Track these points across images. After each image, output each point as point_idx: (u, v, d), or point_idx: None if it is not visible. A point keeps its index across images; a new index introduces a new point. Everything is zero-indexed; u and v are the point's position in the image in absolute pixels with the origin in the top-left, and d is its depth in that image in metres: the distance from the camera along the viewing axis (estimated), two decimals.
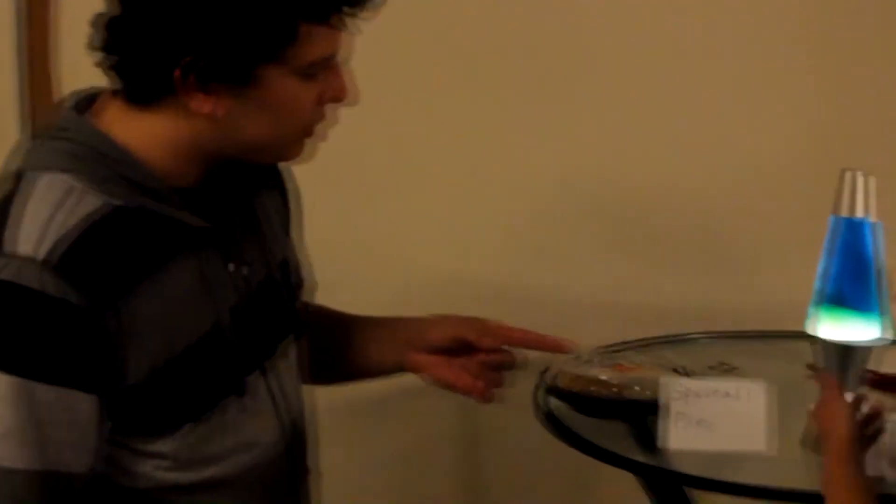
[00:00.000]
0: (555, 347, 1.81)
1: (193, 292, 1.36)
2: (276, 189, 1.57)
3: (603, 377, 1.94)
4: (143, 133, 1.34)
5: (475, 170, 2.44)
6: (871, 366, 2.03)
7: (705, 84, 2.41)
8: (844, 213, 1.75)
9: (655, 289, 2.44)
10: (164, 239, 1.34)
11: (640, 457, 1.79)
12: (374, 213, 2.44)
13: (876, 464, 1.69)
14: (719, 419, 1.81)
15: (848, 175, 1.75)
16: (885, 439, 1.70)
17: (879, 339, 1.77)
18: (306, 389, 1.62)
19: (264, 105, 1.34)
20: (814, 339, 1.79)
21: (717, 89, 2.42)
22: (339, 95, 1.40)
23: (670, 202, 2.44)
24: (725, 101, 2.42)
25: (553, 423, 1.92)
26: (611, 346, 2.22)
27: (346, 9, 1.34)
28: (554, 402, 1.98)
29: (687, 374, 1.98)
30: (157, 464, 1.36)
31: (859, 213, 1.75)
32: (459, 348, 1.68)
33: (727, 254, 2.45)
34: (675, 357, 2.07)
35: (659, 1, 2.40)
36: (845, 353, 1.77)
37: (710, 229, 2.45)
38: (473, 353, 1.69)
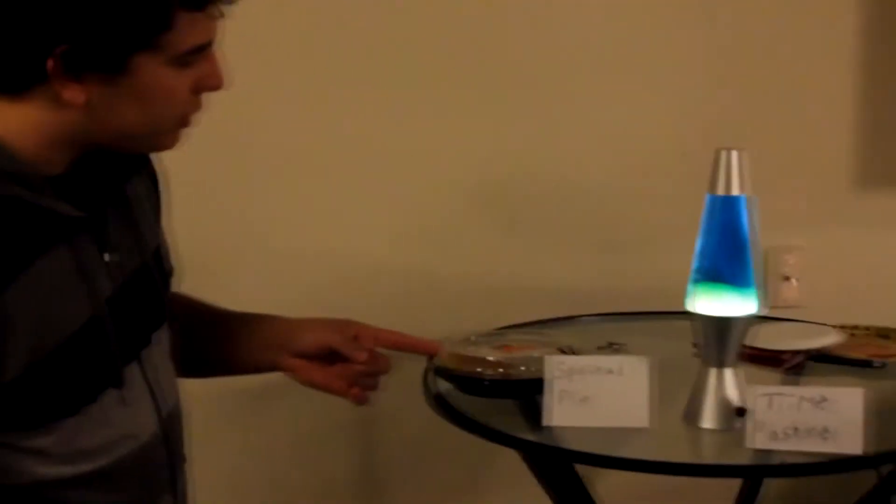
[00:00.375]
0: (428, 350, 1.85)
1: (70, 283, 1.34)
2: (146, 174, 1.56)
3: (490, 358, 1.96)
4: (13, 122, 1.32)
5: (370, 158, 2.45)
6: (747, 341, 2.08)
7: (592, 75, 2.47)
8: (720, 191, 1.78)
9: (545, 272, 2.47)
10: (37, 230, 1.31)
11: (526, 435, 1.81)
12: (268, 204, 2.44)
13: (755, 437, 1.73)
14: (603, 396, 1.83)
15: (723, 154, 1.78)
16: (763, 413, 1.74)
17: (755, 314, 1.81)
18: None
19: (138, 94, 1.32)
20: (693, 316, 1.81)
21: (602, 80, 2.47)
22: (214, 84, 1.39)
23: (560, 187, 2.48)
24: (610, 90, 2.47)
25: (441, 405, 1.94)
26: (501, 328, 2.25)
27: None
28: (443, 385, 2.00)
29: (573, 352, 2.01)
30: (38, 459, 1.33)
31: (734, 191, 1.78)
32: (331, 354, 1.69)
33: (615, 236, 2.50)
34: (564, 337, 2.09)
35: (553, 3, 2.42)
36: (722, 328, 1.80)
37: (599, 213, 2.49)
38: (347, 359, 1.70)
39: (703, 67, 2.47)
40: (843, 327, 2.25)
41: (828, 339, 2.14)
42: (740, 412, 1.79)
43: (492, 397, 1.95)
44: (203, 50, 1.35)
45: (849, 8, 2.47)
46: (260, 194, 2.41)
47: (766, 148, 2.47)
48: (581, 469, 2.04)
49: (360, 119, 2.43)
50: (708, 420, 1.82)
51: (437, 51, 2.43)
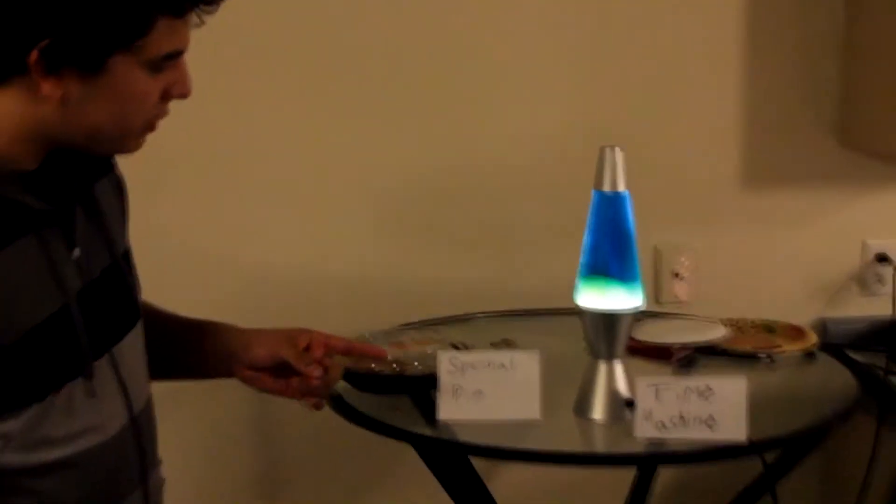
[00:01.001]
0: (376, 355, 1.90)
1: (37, 275, 1.35)
2: (112, 178, 1.56)
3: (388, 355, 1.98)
4: None
5: (272, 160, 2.45)
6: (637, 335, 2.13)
7: (483, 81, 2.49)
8: (606, 187, 1.82)
9: (440, 272, 2.49)
10: (3, 221, 1.32)
11: (419, 429, 1.83)
12: (175, 208, 2.43)
13: (643, 427, 1.78)
14: (495, 390, 1.86)
15: (607, 151, 1.82)
16: (650, 404, 1.78)
17: (641, 307, 1.85)
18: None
19: (112, 94, 1.34)
20: (581, 311, 1.85)
21: (492, 84, 2.49)
22: (183, 91, 1.41)
23: (453, 189, 2.50)
24: (501, 94, 2.50)
25: (338, 403, 1.96)
26: (397, 327, 2.27)
27: (202, 6, 1.36)
28: (341, 383, 2.01)
29: (466, 349, 2.04)
30: (3, 445, 1.32)
31: (620, 187, 1.82)
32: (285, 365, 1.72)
33: (508, 236, 2.52)
34: (458, 335, 2.12)
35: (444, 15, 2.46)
36: (610, 322, 1.84)
37: (492, 213, 2.52)
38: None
39: (590, 69, 2.51)
40: (730, 322, 2.30)
41: (715, 334, 2.19)
42: (629, 403, 1.83)
43: (387, 394, 1.97)
44: (176, 57, 1.38)
45: (733, 9, 2.53)
46: (168, 198, 2.40)
47: (655, 149, 2.53)
48: (478, 465, 2.07)
49: (265, 122, 2.43)
50: (598, 412, 1.86)
51: (340, 60, 2.43)
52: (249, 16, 2.33)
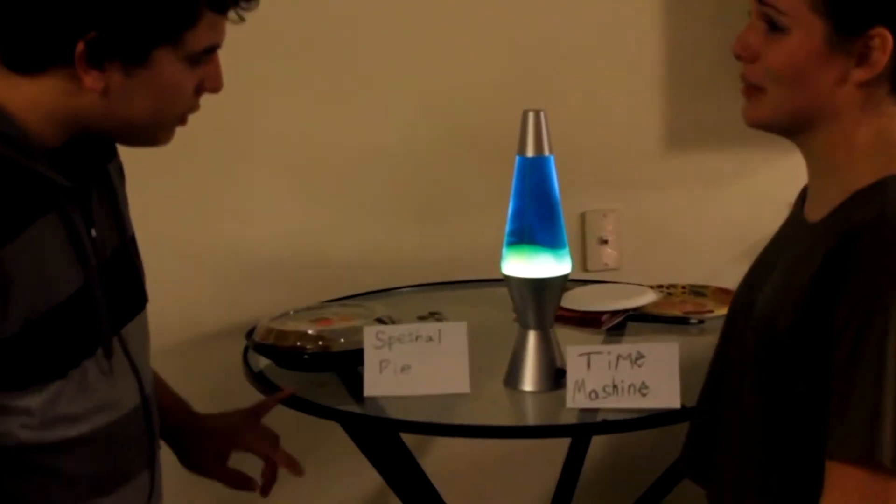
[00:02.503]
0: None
1: (63, 250, 1.35)
2: (116, 164, 1.54)
3: (310, 331, 1.93)
4: (23, 97, 1.32)
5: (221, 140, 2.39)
6: (566, 303, 2.10)
7: (405, 50, 2.45)
8: (529, 152, 1.78)
9: (364, 244, 2.44)
10: (32, 195, 1.32)
11: (345, 406, 1.79)
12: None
13: (574, 397, 1.74)
14: (423, 363, 1.83)
15: (530, 115, 1.78)
16: (581, 373, 1.75)
17: (569, 274, 1.81)
18: None
19: (152, 87, 1.35)
20: (508, 279, 1.81)
21: (413, 54, 2.45)
22: (215, 86, 1.42)
23: (378, 162, 2.45)
24: (421, 64, 2.46)
25: (261, 381, 1.91)
26: (322, 302, 2.22)
27: (242, 2, 1.38)
28: (264, 361, 1.97)
29: (393, 322, 1.99)
30: (23, 421, 1.32)
31: (544, 151, 1.78)
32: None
33: (431, 206, 2.48)
34: (384, 309, 2.08)
35: None
36: (538, 289, 1.80)
37: (414, 184, 2.47)
38: None
39: (510, 34, 2.47)
40: (660, 287, 2.28)
41: (645, 299, 2.17)
42: (560, 373, 1.80)
43: (313, 371, 1.93)
44: (213, 50, 1.40)
45: None
46: None
47: (577, 114, 2.50)
48: (407, 440, 2.03)
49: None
50: (529, 383, 1.83)
51: (277, 49, 2.38)
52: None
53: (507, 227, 1.81)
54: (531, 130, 1.78)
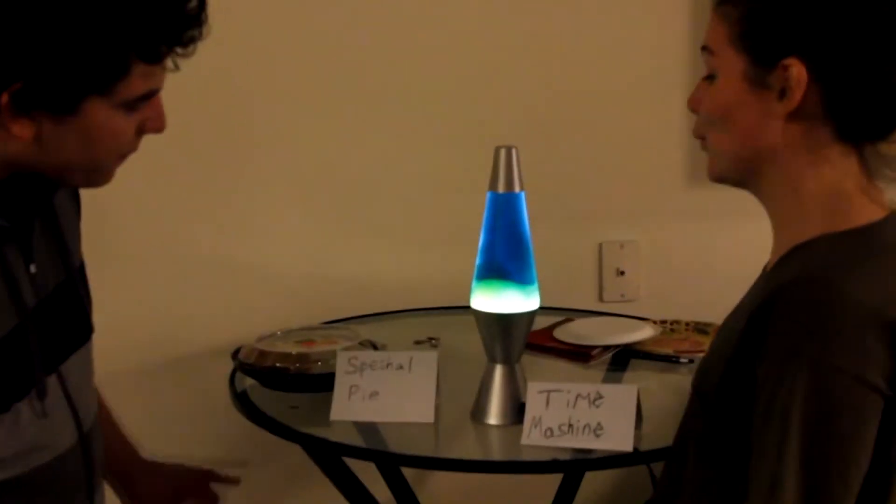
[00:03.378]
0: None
1: None
2: (69, 190, 1.53)
3: (292, 352, 1.97)
4: None
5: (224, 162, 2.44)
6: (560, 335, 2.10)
7: (417, 78, 2.47)
8: (500, 188, 1.79)
9: (371, 266, 2.47)
10: None
11: (306, 429, 1.81)
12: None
13: (530, 433, 1.75)
14: (391, 391, 1.85)
15: (502, 151, 1.79)
16: (539, 410, 1.75)
17: (536, 309, 1.82)
18: None
19: (85, 134, 1.31)
20: (476, 313, 1.82)
21: (428, 81, 2.48)
22: (157, 127, 1.38)
23: (388, 185, 2.48)
24: (436, 88, 2.48)
25: (242, 401, 1.95)
26: (324, 323, 2.25)
27: (178, 49, 1.32)
28: (249, 380, 2.01)
29: (375, 347, 2.02)
30: None
31: (515, 188, 1.79)
32: None
33: (440, 230, 2.50)
34: (372, 333, 2.11)
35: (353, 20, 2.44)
36: (506, 324, 1.81)
37: (422, 208, 2.49)
38: None
39: (527, 60, 2.48)
40: (663, 322, 2.27)
41: (640, 335, 2.16)
42: (523, 408, 1.80)
43: (292, 391, 1.96)
44: (151, 95, 1.35)
45: (678, 9, 2.48)
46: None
47: (597, 146, 2.49)
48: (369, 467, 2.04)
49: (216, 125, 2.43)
50: (493, 416, 1.84)
51: (287, 67, 2.42)
52: (245, 24, 2.34)
53: (477, 261, 1.82)
54: (502, 167, 1.79)
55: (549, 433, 1.75)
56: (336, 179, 2.45)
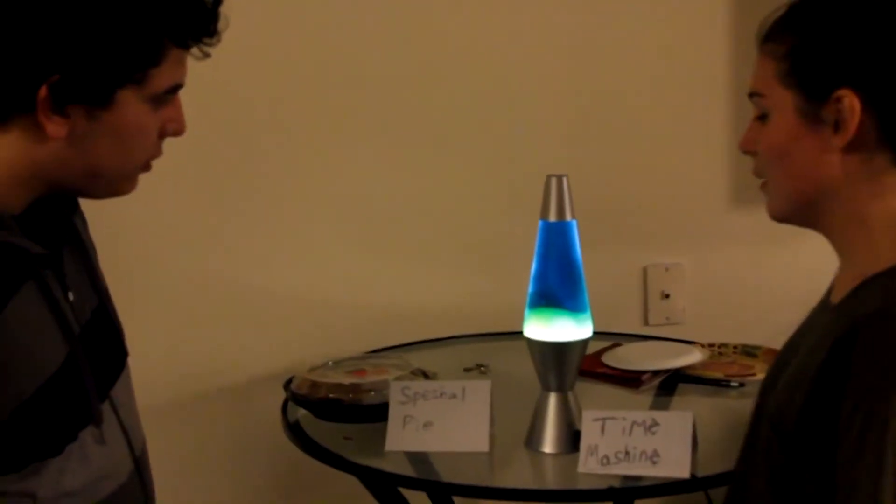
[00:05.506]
0: None
1: (45, 322, 1.32)
2: (80, 216, 1.52)
3: (344, 382, 1.97)
4: None
5: (260, 188, 2.46)
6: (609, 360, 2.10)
7: (464, 105, 2.49)
8: (552, 217, 1.79)
9: (419, 292, 2.48)
10: (8, 268, 1.28)
11: (362, 460, 1.81)
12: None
13: (586, 462, 1.75)
14: (445, 420, 1.85)
15: (553, 180, 1.79)
16: (595, 438, 1.75)
17: (591, 337, 1.82)
18: None
19: (116, 131, 1.32)
20: (529, 342, 1.82)
21: (473, 108, 2.49)
22: (178, 128, 1.40)
23: (436, 211, 2.49)
24: (481, 115, 2.49)
25: (295, 431, 1.95)
26: (370, 352, 2.26)
27: (206, 39, 1.35)
28: (301, 410, 2.01)
29: (426, 376, 2.02)
30: (24, 503, 1.30)
31: (567, 216, 1.79)
32: None
33: (488, 256, 2.50)
34: (422, 362, 2.11)
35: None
36: (559, 353, 1.81)
37: (470, 234, 2.50)
38: None
39: (572, 87, 2.49)
40: (711, 346, 2.26)
41: (689, 359, 2.15)
42: (578, 435, 1.80)
43: (345, 422, 1.96)
44: (176, 91, 1.37)
45: (722, 26, 2.49)
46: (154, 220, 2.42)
47: (642, 168, 2.49)
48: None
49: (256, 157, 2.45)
50: (548, 445, 1.84)
51: (334, 108, 2.44)
52: (285, 52, 2.37)
53: (530, 290, 1.82)
54: (553, 195, 1.79)
55: (605, 461, 1.74)
56: (381, 207, 2.45)
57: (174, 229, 2.37)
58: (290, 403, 2.03)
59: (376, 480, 1.88)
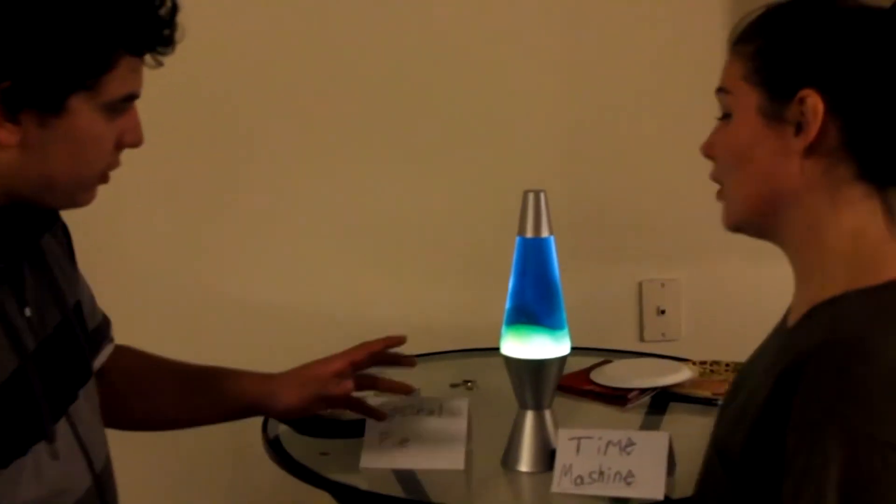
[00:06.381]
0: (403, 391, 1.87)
1: None
2: (58, 228, 1.53)
3: None
4: None
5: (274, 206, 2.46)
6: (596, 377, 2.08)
7: (458, 117, 2.49)
8: (529, 233, 1.78)
9: (408, 306, 2.47)
10: None
11: (333, 476, 1.80)
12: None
13: (560, 481, 1.73)
14: (422, 437, 1.84)
15: (530, 196, 1.78)
16: (570, 457, 1.73)
17: (567, 355, 1.80)
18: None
19: (69, 138, 1.31)
20: (506, 359, 1.80)
21: (468, 121, 2.50)
22: (135, 139, 1.39)
23: (424, 224, 2.48)
24: (476, 128, 2.49)
25: (273, 447, 1.94)
26: None
27: (160, 47, 1.35)
28: (282, 426, 2.00)
29: (407, 393, 2.00)
30: None
31: (544, 232, 1.77)
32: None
33: (477, 270, 2.49)
34: (415, 376, 2.08)
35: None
36: (537, 370, 1.79)
37: (458, 248, 2.49)
38: None
39: (572, 102, 2.48)
40: (702, 363, 2.23)
41: (677, 377, 2.13)
42: (555, 455, 1.78)
43: (324, 437, 1.95)
44: (131, 100, 1.36)
45: (718, 43, 2.41)
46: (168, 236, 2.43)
47: (638, 183, 2.47)
48: None
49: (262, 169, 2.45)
50: (524, 463, 1.82)
51: (325, 120, 2.45)
52: (279, 66, 2.38)
53: (507, 306, 1.80)
54: (531, 211, 1.78)
55: (579, 481, 1.72)
56: (370, 220, 2.46)
57: (166, 239, 2.37)
58: (271, 419, 2.02)
59: (351, 498, 1.85)
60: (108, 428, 1.64)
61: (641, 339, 2.54)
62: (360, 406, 1.83)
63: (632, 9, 2.49)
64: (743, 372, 1.43)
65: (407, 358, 1.83)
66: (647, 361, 2.27)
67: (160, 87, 2.23)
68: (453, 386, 2.20)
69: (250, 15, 2.31)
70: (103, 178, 1.40)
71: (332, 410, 1.93)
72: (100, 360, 1.64)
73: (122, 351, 1.71)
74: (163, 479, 2.47)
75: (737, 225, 1.37)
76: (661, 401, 2.10)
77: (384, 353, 1.82)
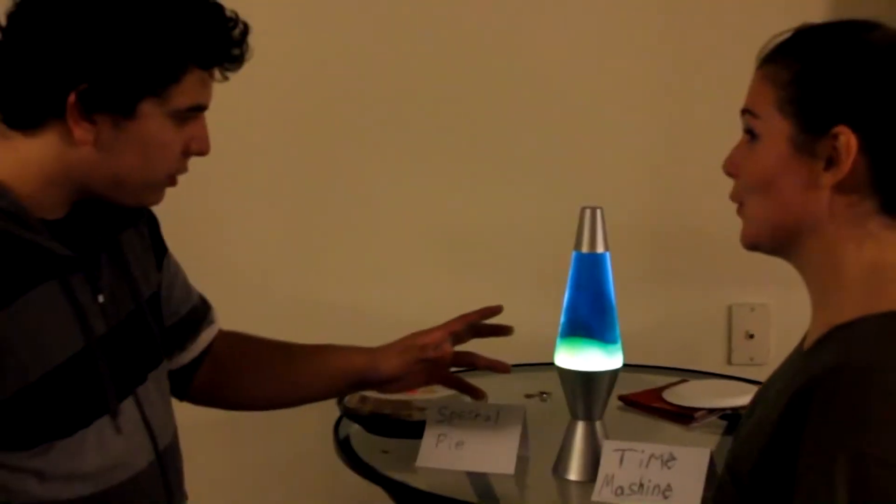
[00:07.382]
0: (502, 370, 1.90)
1: (60, 318, 1.42)
2: (144, 225, 1.64)
3: (393, 399, 2.04)
4: (14, 161, 1.42)
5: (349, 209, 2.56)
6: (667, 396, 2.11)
7: (547, 129, 2.55)
8: (584, 248, 1.82)
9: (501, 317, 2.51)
10: (29, 265, 1.39)
11: (392, 474, 1.88)
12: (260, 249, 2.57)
13: (601, 491, 1.76)
14: (476, 441, 1.90)
15: (587, 212, 1.82)
16: (612, 468, 1.77)
17: (620, 368, 1.84)
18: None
19: (140, 140, 1.43)
20: (559, 370, 1.85)
21: (555, 135, 2.55)
22: (201, 148, 1.50)
23: (516, 236, 2.53)
24: (562, 143, 2.54)
25: (342, 446, 2.02)
26: None
27: (227, 64, 1.47)
28: (354, 426, 2.09)
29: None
30: (37, 480, 1.40)
31: (599, 248, 1.82)
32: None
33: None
34: (492, 384, 2.14)
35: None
36: (589, 382, 1.83)
37: (547, 260, 2.51)
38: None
39: (660, 117, 2.49)
40: None
41: (744, 399, 2.12)
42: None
43: (390, 437, 2.03)
44: (199, 111, 1.47)
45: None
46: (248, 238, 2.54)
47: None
48: None
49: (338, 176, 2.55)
50: (573, 472, 1.86)
51: (412, 127, 2.54)
52: (368, 82, 2.48)
53: (561, 319, 1.85)
54: (587, 227, 1.82)
55: (619, 491, 1.76)
56: (458, 229, 2.53)
57: (264, 244, 2.47)
58: (344, 420, 2.10)
59: (403, 495, 1.93)
60: (217, 408, 1.82)
61: (729, 362, 2.55)
62: (458, 382, 1.89)
63: (713, 25, 2.50)
64: (759, 394, 1.45)
65: (501, 363, 1.87)
66: (721, 383, 2.29)
67: (264, 97, 2.39)
68: (528, 396, 2.24)
69: (350, 26, 2.41)
70: (171, 181, 1.53)
71: (400, 411, 2.01)
72: (203, 342, 1.77)
73: (228, 334, 1.82)
74: (226, 468, 2.56)
75: (754, 244, 1.39)
76: (735, 423, 2.11)
77: (482, 323, 1.87)
